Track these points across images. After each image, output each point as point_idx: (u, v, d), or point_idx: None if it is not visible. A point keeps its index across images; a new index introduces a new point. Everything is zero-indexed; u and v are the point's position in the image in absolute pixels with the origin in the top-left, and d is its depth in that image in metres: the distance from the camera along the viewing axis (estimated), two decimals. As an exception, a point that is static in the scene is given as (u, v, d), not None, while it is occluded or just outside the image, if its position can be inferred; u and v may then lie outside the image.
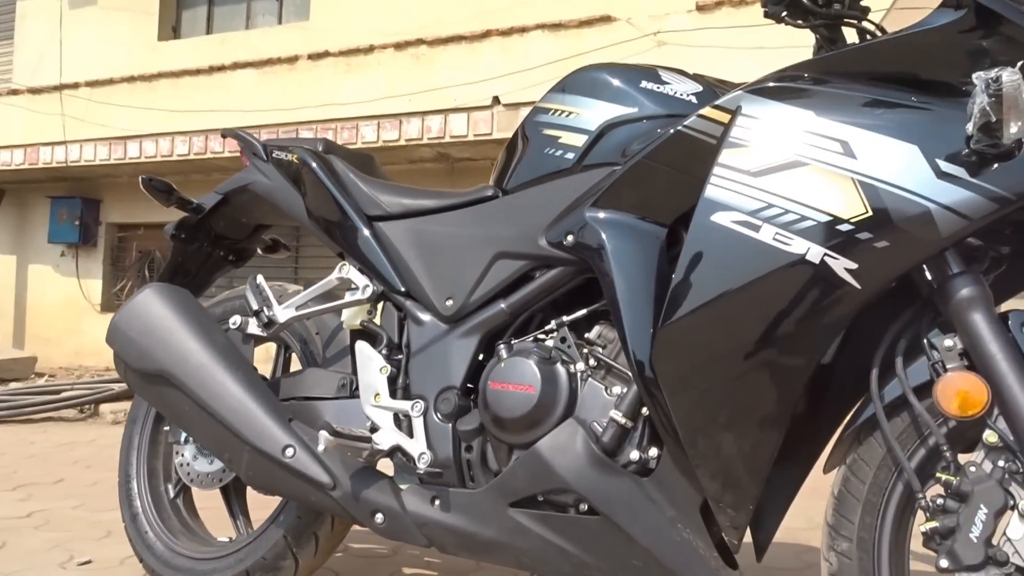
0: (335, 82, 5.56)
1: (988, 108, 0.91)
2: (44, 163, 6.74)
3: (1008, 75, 0.90)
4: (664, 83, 1.32)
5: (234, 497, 1.66)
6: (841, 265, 1.01)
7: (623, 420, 1.16)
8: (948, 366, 1.02)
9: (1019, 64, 0.92)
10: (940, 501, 0.98)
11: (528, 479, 1.21)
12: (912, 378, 1.05)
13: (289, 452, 1.35)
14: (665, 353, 1.10)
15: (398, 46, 5.28)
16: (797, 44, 4.11)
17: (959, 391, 0.99)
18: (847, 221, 1.00)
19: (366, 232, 1.51)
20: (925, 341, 1.05)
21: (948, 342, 1.03)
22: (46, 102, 6.76)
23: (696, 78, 1.35)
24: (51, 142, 6.65)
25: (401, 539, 1.32)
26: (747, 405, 1.08)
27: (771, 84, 1.13)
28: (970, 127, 0.94)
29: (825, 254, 1.01)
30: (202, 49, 6.75)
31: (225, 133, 1.89)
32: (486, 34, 4.99)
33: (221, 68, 6.05)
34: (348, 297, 1.50)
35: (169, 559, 1.63)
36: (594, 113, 1.33)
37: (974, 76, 0.92)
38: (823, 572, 1.09)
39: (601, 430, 1.18)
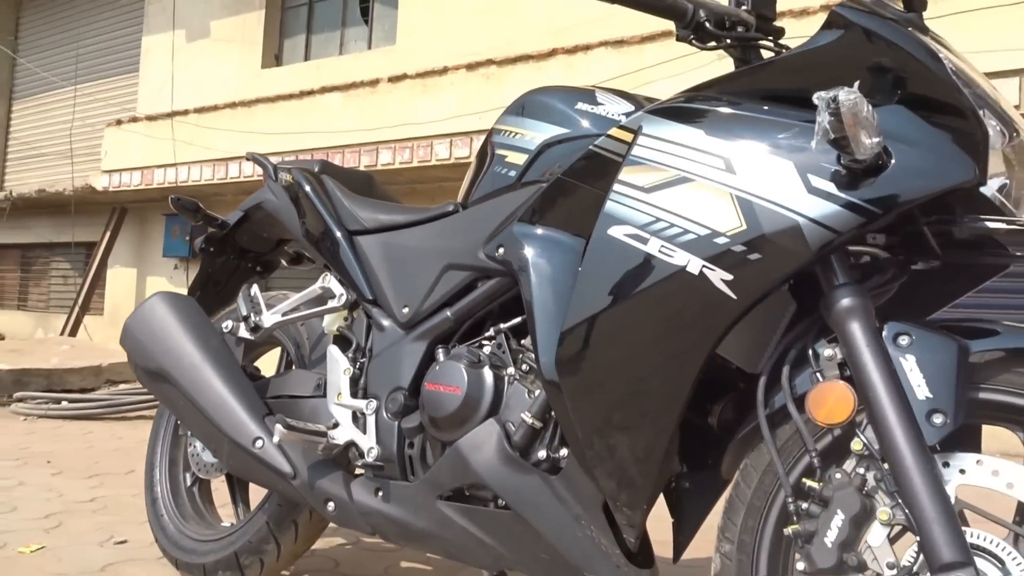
0: (412, 103, 5.81)
1: (828, 127, 0.94)
2: (158, 183, 7.35)
3: (845, 94, 0.93)
4: (598, 104, 1.39)
5: (236, 485, 1.83)
6: (718, 276, 1.05)
7: (531, 421, 1.23)
8: (826, 375, 1.05)
9: (856, 84, 0.95)
10: (805, 506, 1.01)
11: (451, 474, 1.30)
12: (799, 387, 1.08)
13: (258, 444, 1.49)
14: (565, 358, 1.17)
15: (470, 67, 5.47)
16: None
17: (827, 400, 1.02)
18: (723, 234, 1.05)
19: (345, 245, 1.65)
20: (810, 351, 1.08)
21: (828, 352, 1.06)
22: (160, 128, 7.37)
23: (631, 98, 1.41)
24: (164, 164, 7.25)
25: (349, 527, 1.44)
26: (637, 408, 1.13)
27: (669, 105, 1.19)
28: (814, 144, 0.97)
29: (703, 266, 1.06)
30: (299, 75, 7.20)
31: (248, 156, 2.09)
32: (552, 53, 5.11)
33: (311, 92, 6.43)
34: (327, 305, 1.64)
35: (177, 540, 1.81)
36: (535, 133, 1.42)
37: (814, 96, 0.96)
38: (711, 573, 1.13)
39: (514, 430, 1.26)
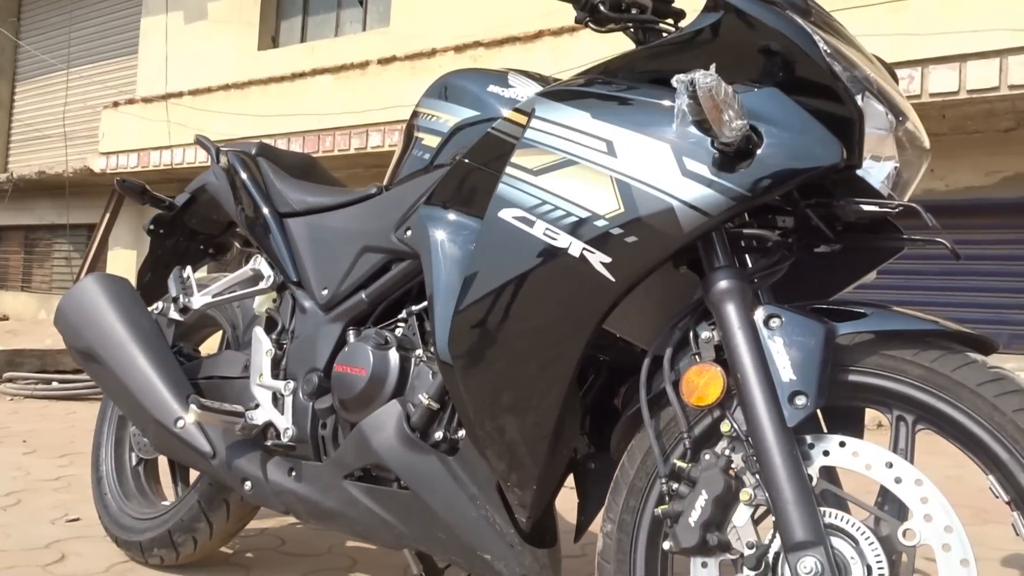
0: (402, 85, 5.79)
1: (686, 109, 0.94)
2: (154, 165, 7.39)
3: (702, 77, 0.93)
4: (510, 86, 1.39)
5: (176, 464, 1.86)
6: (597, 259, 1.06)
7: (427, 402, 1.25)
8: (703, 357, 1.05)
9: (713, 66, 0.95)
10: (676, 487, 1.02)
11: (354, 454, 1.32)
12: (682, 370, 1.08)
13: (179, 424, 1.52)
14: (457, 339, 1.18)
15: (458, 49, 5.45)
16: (861, 33, 3.98)
17: (699, 382, 1.02)
18: (603, 217, 1.06)
19: (274, 227, 1.66)
20: (691, 333, 1.08)
21: (706, 334, 1.06)
22: (156, 110, 7.40)
23: (545, 81, 1.41)
24: (159, 146, 7.28)
25: (265, 505, 1.47)
26: (523, 389, 1.14)
27: (562, 87, 1.19)
28: (674, 126, 0.97)
29: (584, 248, 1.06)
30: (295, 57, 7.20)
31: (196, 139, 2.10)
32: (539, 35, 5.08)
33: (303, 75, 6.43)
34: (256, 287, 1.66)
35: (118, 518, 1.84)
36: (449, 116, 1.43)
37: (673, 79, 0.96)
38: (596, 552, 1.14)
39: (413, 411, 1.27)
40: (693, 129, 1.02)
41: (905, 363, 0.96)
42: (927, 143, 1.14)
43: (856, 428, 1.09)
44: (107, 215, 8.34)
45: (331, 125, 6.07)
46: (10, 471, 2.72)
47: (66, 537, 1.99)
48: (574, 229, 1.07)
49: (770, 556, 0.95)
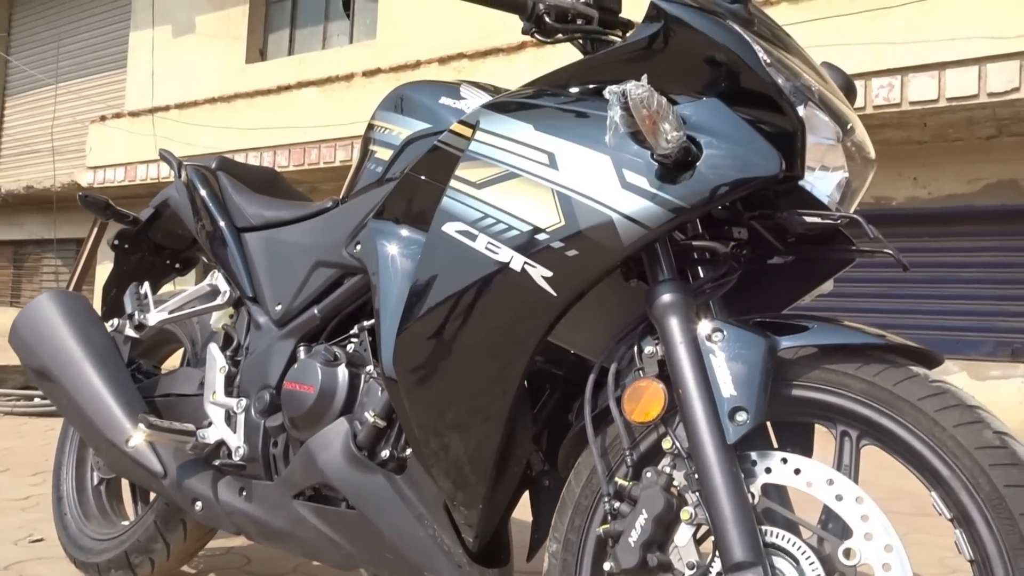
0: (386, 97, 5.78)
1: (618, 121, 0.92)
2: (140, 179, 7.38)
3: (633, 88, 0.91)
4: (461, 98, 1.37)
5: (136, 483, 1.83)
6: (538, 273, 1.04)
7: (373, 420, 1.22)
8: (646, 372, 1.03)
9: (644, 77, 0.93)
10: (618, 506, 1.00)
11: (302, 473, 1.29)
12: (628, 385, 1.06)
13: (130, 443, 1.49)
14: (402, 356, 1.16)
15: (442, 60, 5.45)
16: (820, 43, 3.99)
17: (640, 398, 1.00)
18: (544, 231, 1.04)
19: (231, 242, 1.64)
20: (635, 348, 1.06)
21: (650, 348, 1.04)
22: (142, 124, 7.40)
23: (497, 92, 1.39)
24: (146, 160, 7.27)
25: (216, 526, 1.44)
26: (467, 407, 1.12)
27: (506, 99, 1.17)
28: (608, 138, 0.95)
29: (525, 262, 1.04)
30: (283, 70, 7.21)
31: (160, 154, 2.08)
32: (521, 46, 5.09)
33: (288, 88, 6.43)
34: (213, 302, 1.63)
35: (77, 539, 1.81)
36: (402, 129, 1.41)
37: (605, 91, 0.94)
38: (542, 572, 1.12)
39: (360, 428, 1.25)
40: (623, 141, 1.00)
41: (847, 377, 0.94)
42: (873, 153, 1.12)
43: (807, 444, 1.07)
44: (94, 229, 8.30)
45: (316, 138, 6.07)
46: (-22, 490, 2.68)
47: (27, 558, 1.95)
48: (515, 243, 1.05)
49: (710, 577, 0.93)
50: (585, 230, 1.01)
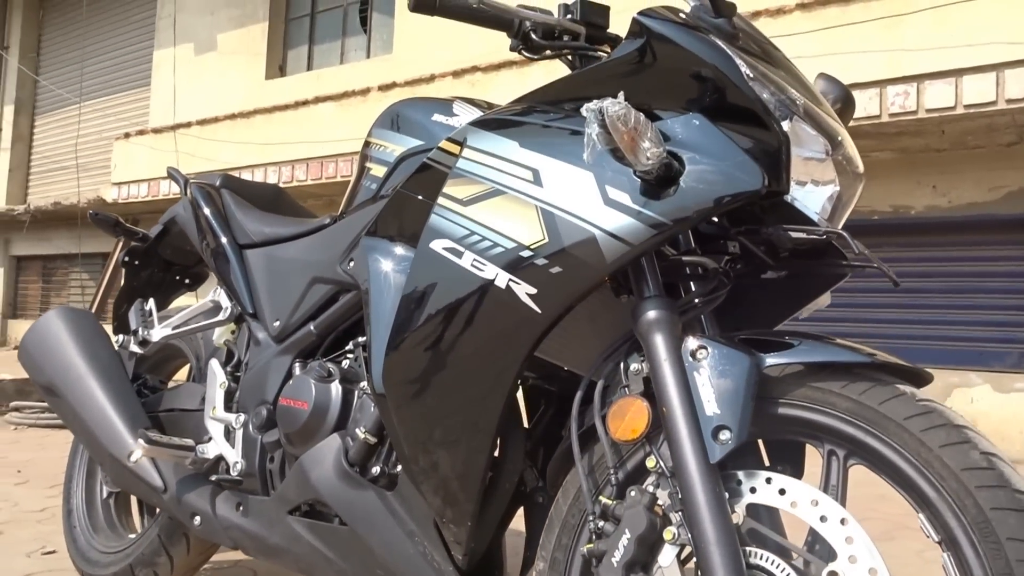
0: (402, 111, 5.82)
1: (596, 138, 0.92)
2: (164, 195, 7.48)
3: (611, 105, 0.91)
4: (454, 115, 1.38)
5: (143, 498, 1.85)
6: (523, 290, 1.04)
7: (364, 436, 1.23)
8: (632, 390, 1.03)
9: (621, 94, 0.93)
10: (602, 525, 0.99)
11: (295, 489, 1.30)
12: (614, 403, 1.05)
13: (132, 458, 1.50)
14: (390, 372, 1.16)
15: (456, 74, 5.48)
16: (833, 52, 3.96)
17: (624, 415, 1.00)
18: (528, 248, 1.03)
19: (233, 259, 1.65)
20: (621, 365, 1.05)
21: (635, 366, 1.03)
22: (165, 140, 7.51)
23: (490, 109, 1.39)
24: (168, 176, 7.37)
25: (214, 540, 1.45)
26: (454, 423, 1.12)
27: (493, 116, 1.17)
28: (586, 156, 0.95)
29: (509, 279, 1.04)
30: (301, 85, 7.28)
31: (168, 172, 2.11)
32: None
33: (306, 103, 6.50)
34: (215, 318, 1.65)
35: (85, 552, 1.83)
36: (396, 146, 1.42)
37: (583, 108, 0.94)
38: (530, 592, 1.11)
39: (352, 444, 1.25)
40: (602, 158, 1.00)
41: (833, 395, 0.93)
42: (861, 167, 1.11)
43: (798, 463, 1.05)
44: (119, 244, 8.45)
45: (334, 152, 6.12)
46: (-2, 503, 2.73)
47: (38, 571, 1.98)
48: (500, 260, 1.05)
49: (692, 598, 0.91)
50: (568, 247, 1.01)
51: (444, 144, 1.21)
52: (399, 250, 1.27)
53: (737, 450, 0.98)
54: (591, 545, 0.98)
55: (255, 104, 7.00)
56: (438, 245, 1.12)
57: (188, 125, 7.36)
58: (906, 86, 3.71)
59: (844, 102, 1.38)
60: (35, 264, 10.49)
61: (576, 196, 1.02)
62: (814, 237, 1.01)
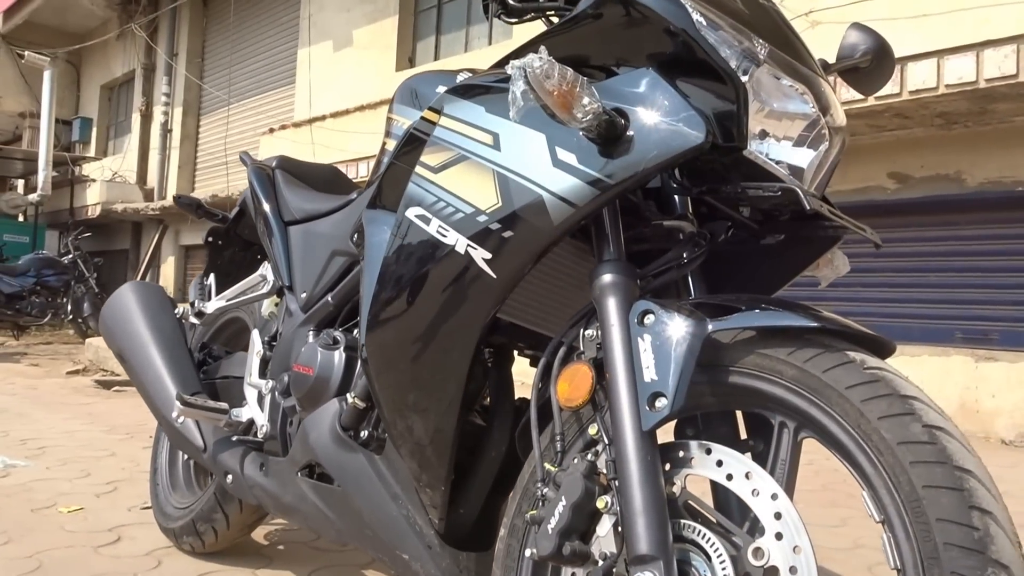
0: (517, 95, 5.86)
1: (520, 96, 0.90)
2: (302, 185, 7.94)
3: (533, 60, 0.88)
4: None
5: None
6: (479, 255, 1.03)
7: (353, 400, 1.26)
8: (585, 355, 1.00)
9: (544, 49, 0.90)
10: (545, 491, 0.97)
11: (300, 450, 1.36)
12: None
13: (180, 420, 1.63)
14: (370, 339, 1.19)
15: (567, 55, 5.43)
16: (963, 7, 3.68)
17: (570, 381, 0.98)
18: (484, 212, 1.03)
19: (278, 235, 1.75)
20: (580, 331, 1.03)
21: (590, 332, 1.01)
22: (303, 134, 7.96)
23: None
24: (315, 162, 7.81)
25: (242, 497, 1.54)
26: (424, 388, 1.13)
27: (466, 83, 1.17)
28: (512, 114, 0.93)
29: (468, 245, 1.05)
30: (427, 75, 7.50)
31: (239, 156, 2.25)
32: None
33: (427, 91, 6.67)
34: (259, 292, 1.75)
35: (163, 506, 2.00)
36: (406, 119, 1.44)
37: (507, 66, 0.92)
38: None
39: (344, 409, 1.29)
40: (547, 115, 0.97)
41: (781, 363, 0.87)
42: (842, 120, 1.01)
43: (732, 433, 0.98)
44: (156, 236, 9.49)
45: (452, 138, 6.26)
46: (123, 462, 3.02)
47: (132, 523, 2.18)
48: (460, 226, 1.06)
49: (618, 569, 0.88)
50: (519, 210, 0.99)
51: (426, 113, 1.22)
52: (389, 220, 1.30)
53: (713, 420, 0.94)
54: (534, 511, 0.97)
55: (382, 96, 7.27)
56: (412, 213, 1.14)
57: (323, 118, 7.76)
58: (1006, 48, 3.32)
59: (878, 54, 1.27)
60: (201, 253, 11.44)
61: (528, 159, 1.00)
62: (770, 195, 0.94)
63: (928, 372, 4.41)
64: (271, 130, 8.58)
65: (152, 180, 11.70)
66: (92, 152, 13.38)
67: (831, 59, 1.26)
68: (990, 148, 4.29)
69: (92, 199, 11.53)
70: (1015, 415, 4.08)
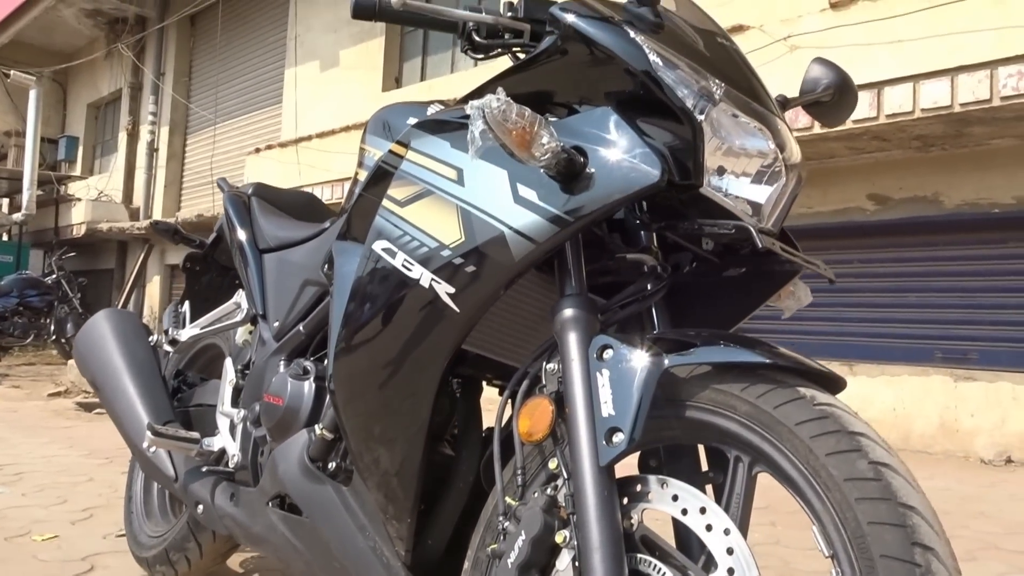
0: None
1: (479, 136, 0.91)
2: (288, 205, 7.95)
3: (491, 101, 0.90)
4: (427, 117, 1.40)
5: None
6: (443, 289, 1.05)
7: (321, 432, 1.27)
8: (547, 389, 1.01)
9: (501, 90, 0.91)
10: (506, 525, 0.98)
11: (269, 481, 1.36)
12: (532, 402, 1.04)
13: (152, 449, 1.62)
14: (337, 370, 1.20)
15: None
16: (938, 33, 3.73)
17: (531, 415, 0.99)
18: (448, 247, 1.04)
19: (252, 263, 1.75)
20: (543, 364, 1.04)
21: (552, 366, 1.02)
22: (289, 154, 7.98)
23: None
24: (291, 187, 7.83)
25: (214, 528, 1.54)
26: (391, 419, 1.14)
27: (432, 118, 1.19)
28: (470, 153, 0.94)
29: (432, 279, 1.06)
30: (413, 95, 7.54)
31: (216, 182, 2.26)
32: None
33: (413, 112, 6.70)
34: (234, 319, 1.75)
35: (137, 535, 1.99)
36: (377, 150, 1.45)
37: (467, 105, 0.93)
38: (461, 591, 1.11)
39: (313, 440, 1.29)
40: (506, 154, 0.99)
41: (734, 398, 0.88)
42: (797, 157, 1.04)
43: (693, 467, 0.99)
44: (142, 255, 9.48)
45: (437, 159, 6.29)
46: (100, 488, 3.00)
47: (106, 551, 2.17)
48: (424, 260, 1.07)
49: (575, 604, 0.89)
50: (481, 245, 1.01)
51: (393, 146, 1.24)
52: (358, 252, 1.31)
53: (674, 452, 0.95)
54: (495, 545, 0.98)
55: (367, 116, 7.31)
56: (378, 246, 1.15)
57: (309, 138, 7.78)
58: (1020, 66, 3.38)
59: (840, 88, 1.30)
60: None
61: (491, 195, 1.02)
62: (725, 232, 0.95)
63: (908, 391, 4.44)
64: (257, 150, 8.60)
65: (138, 199, 11.67)
66: (78, 171, 13.34)
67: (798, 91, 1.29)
68: (966, 170, 4.35)
69: (77, 218, 11.49)
70: (994, 434, 4.11)
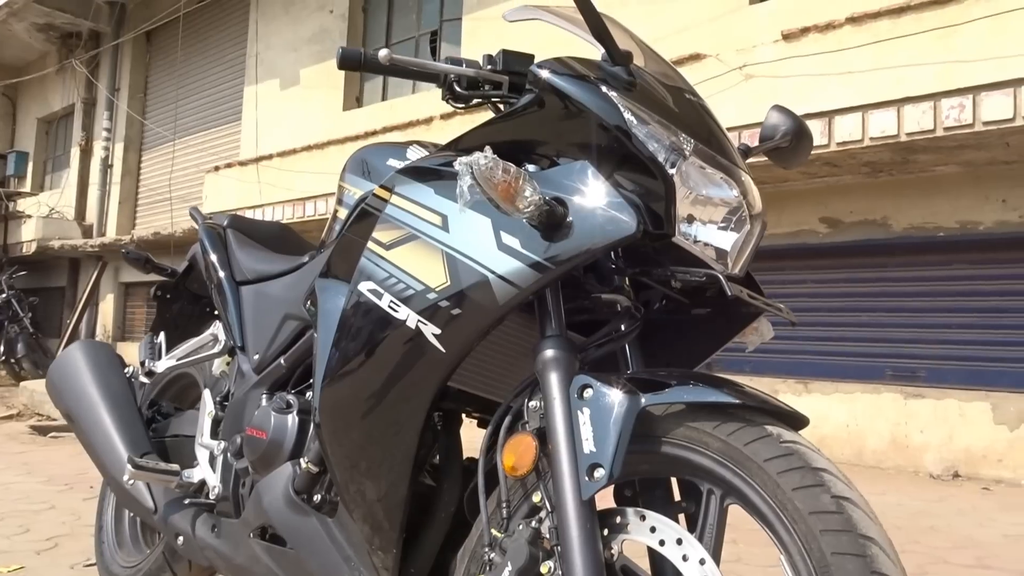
0: (464, 138, 5.97)
1: (467, 190, 0.97)
2: (248, 224, 7.89)
3: (479, 158, 0.96)
4: (407, 159, 1.45)
5: (159, 517, 1.99)
6: (429, 331, 1.10)
7: (306, 465, 1.30)
8: (529, 427, 1.06)
9: (488, 148, 0.98)
10: (492, 556, 1.03)
11: (253, 513, 1.39)
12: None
13: (130, 481, 1.63)
14: (323, 405, 1.24)
15: (513, 101, 5.57)
16: (885, 66, 3.88)
17: (515, 451, 1.04)
18: (434, 290, 1.10)
19: (229, 295, 1.78)
20: (525, 401, 1.10)
21: (534, 403, 1.07)
22: (249, 172, 7.93)
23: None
24: (252, 206, 7.78)
25: (194, 560, 1.55)
26: (377, 454, 1.18)
27: (416, 164, 1.24)
28: (459, 206, 1.00)
29: (418, 320, 1.11)
30: (375, 115, 7.56)
31: (190, 212, 2.28)
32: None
33: (375, 132, 6.74)
34: (211, 351, 1.77)
35: (109, 565, 1.99)
36: (357, 189, 1.50)
37: (455, 162, 0.99)
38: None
39: (298, 473, 1.33)
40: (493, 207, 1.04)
41: (707, 435, 0.94)
42: (759, 207, 1.11)
43: (668, 501, 1.06)
44: (95, 273, 9.86)
45: (400, 179, 6.32)
46: (63, 516, 2.96)
47: (75, 582, 2.15)
48: (411, 301, 1.12)
49: (561, 633, 0.94)
50: (466, 289, 1.06)
51: (378, 190, 1.28)
52: (342, 291, 1.35)
53: (648, 483, 1.01)
54: (481, 576, 1.02)
55: (328, 135, 7.31)
56: (364, 287, 1.20)
57: (270, 157, 7.75)
58: (961, 98, 3.56)
59: (796, 134, 1.39)
60: (141, 290, 11.20)
61: (475, 241, 1.07)
62: (696, 279, 1.02)
63: (861, 408, 4.59)
64: (216, 168, 8.52)
65: (91, 216, 11.45)
66: (28, 187, 13.04)
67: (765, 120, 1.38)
68: (913, 196, 4.54)
69: (27, 235, 11.23)
70: (942, 450, 4.28)
